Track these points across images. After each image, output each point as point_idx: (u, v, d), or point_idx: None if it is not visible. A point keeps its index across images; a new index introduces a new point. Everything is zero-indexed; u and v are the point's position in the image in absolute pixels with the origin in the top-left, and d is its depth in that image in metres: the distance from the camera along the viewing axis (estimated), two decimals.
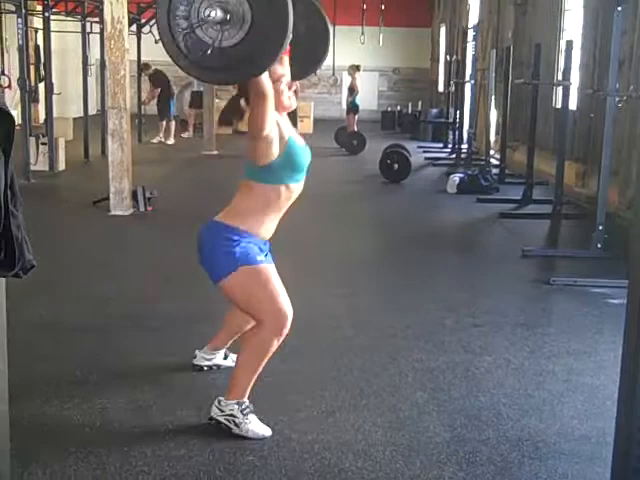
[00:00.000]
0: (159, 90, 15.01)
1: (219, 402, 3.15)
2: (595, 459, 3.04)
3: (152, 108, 15.38)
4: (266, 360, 3.13)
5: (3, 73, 12.52)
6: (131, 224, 7.56)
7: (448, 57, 17.02)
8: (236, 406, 3.12)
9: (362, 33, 17.47)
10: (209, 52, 2.56)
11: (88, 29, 12.74)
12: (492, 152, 12.33)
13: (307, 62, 3.39)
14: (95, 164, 11.56)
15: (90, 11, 12.84)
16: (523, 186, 9.19)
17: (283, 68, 3.02)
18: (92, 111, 13.87)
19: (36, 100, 12.71)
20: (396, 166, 10.71)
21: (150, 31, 14.89)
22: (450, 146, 14.75)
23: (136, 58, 14.40)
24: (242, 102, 3.04)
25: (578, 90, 9.52)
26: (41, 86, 11.95)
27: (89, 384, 3.65)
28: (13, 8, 10.29)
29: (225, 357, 3.79)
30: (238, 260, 3.01)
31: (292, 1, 2.56)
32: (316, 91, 20.63)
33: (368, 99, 20.24)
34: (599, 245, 6.28)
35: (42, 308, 4.74)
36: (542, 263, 6.35)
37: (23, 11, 9.92)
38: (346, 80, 16.02)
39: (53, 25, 11.57)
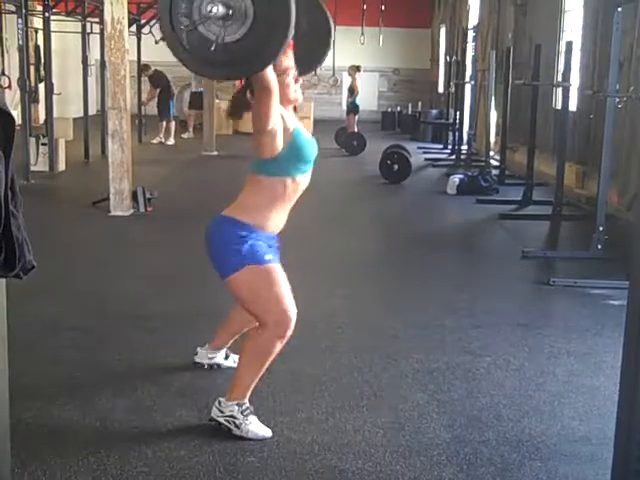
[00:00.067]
0: (159, 90, 15.02)
1: (219, 403, 3.15)
2: (595, 460, 3.04)
3: (152, 109, 15.38)
4: (268, 362, 3.12)
5: (3, 73, 12.50)
6: (131, 225, 7.56)
7: (448, 58, 17.03)
8: (236, 407, 3.12)
9: (362, 34, 17.48)
10: (212, 48, 2.56)
11: (88, 29, 12.74)
12: (492, 153, 12.34)
13: (310, 57, 3.39)
14: (95, 165, 11.56)
15: (90, 11, 12.85)
16: (523, 187, 9.20)
17: (289, 61, 3.02)
18: (92, 111, 13.87)
19: (36, 100, 12.71)
20: (396, 167, 10.71)
21: (150, 32, 14.92)
22: (450, 147, 14.75)
23: (136, 59, 14.41)
24: (248, 95, 3.02)
25: (578, 91, 9.53)
26: (41, 86, 11.95)
27: (89, 384, 3.65)
28: (13, 8, 10.28)
29: (226, 357, 3.79)
30: (245, 258, 3.00)
31: None
32: (316, 92, 20.63)
33: (368, 100, 20.24)
34: (599, 246, 6.28)
35: (42, 308, 4.74)
36: (542, 264, 6.35)
37: (23, 11, 9.92)
38: (346, 81, 16.02)
39: (53, 25, 11.56)
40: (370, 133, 15.56)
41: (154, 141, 14.81)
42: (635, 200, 7.50)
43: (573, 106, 9.31)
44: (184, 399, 3.48)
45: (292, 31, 2.58)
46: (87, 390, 3.58)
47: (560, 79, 8.77)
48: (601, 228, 6.27)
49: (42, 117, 13.11)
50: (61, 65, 15.46)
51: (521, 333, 4.57)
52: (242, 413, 3.11)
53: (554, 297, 5.45)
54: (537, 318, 4.96)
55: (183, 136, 15.77)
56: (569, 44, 7.96)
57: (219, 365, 3.78)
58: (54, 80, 11.16)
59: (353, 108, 14.43)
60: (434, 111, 18.15)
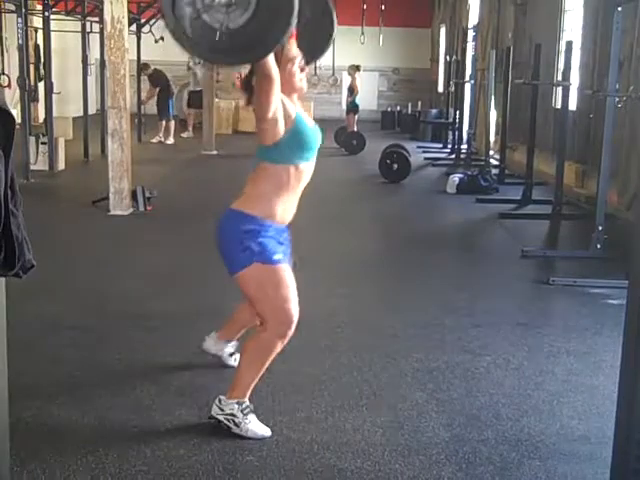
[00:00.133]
0: (158, 89, 15.02)
1: (220, 401, 3.16)
2: (594, 459, 3.04)
3: (152, 108, 15.38)
4: (269, 361, 3.13)
5: (3, 72, 12.51)
6: (130, 224, 7.56)
7: (448, 57, 17.02)
8: (236, 406, 3.12)
9: (362, 33, 17.47)
10: (217, 36, 2.57)
11: (88, 29, 12.73)
12: (492, 152, 12.34)
13: (313, 47, 3.37)
14: (95, 164, 11.56)
15: (90, 11, 12.84)
16: (523, 186, 9.20)
17: (295, 50, 3.03)
18: (92, 111, 13.86)
19: (36, 99, 12.68)
20: (396, 166, 10.71)
21: (150, 31, 14.92)
22: (450, 146, 14.75)
23: (136, 58, 14.40)
24: (253, 80, 3.01)
25: (578, 90, 9.52)
26: (41, 85, 11.93)
27: (88, 383, 3.65)
28: (13, 7, 10.28)
29: (231, 355, 3.80)
30: (254, 255, 3.00)
31: None
32: (316, 91, 20.61)
33: (368, 99, 20.24)
34: (598, 245, 6.28)
35: (42, 307, 4.74)
36: (541, 263, 6.35)
37: (23, 10, 9.93)
38: (346, 80, 16.02)
39: (53, 24, 11.56)
40: (370, 132, 15.56)
41: (154, 140, 14.80)
42: (635, 199, 7.50)
43: (573, 105, 9.31)
44: (183, 398, 3.48)
45: (295, 18, 2.58)
46: (86, 389, 3.58)
47: (560, 78, 8.77)
48: (600, 227, 6.28)
49: (42, 116, 13.10)
50: (61, 64, 15.44)
51: (520, 332, 4.57)
52: (242, 412, 3.12)
53: (553, 296, 5.45)
54: (536, 317, 4.96)
55: (183, 135, 15.76)
56: (569, 43, 7.96)
57: (222, 358, 3.79)
58: (54, 79, 11.15)
59: (353, 107, 14.43)
60: (434, 110, 18.14)
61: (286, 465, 2.93)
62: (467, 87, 14.63)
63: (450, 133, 15.07)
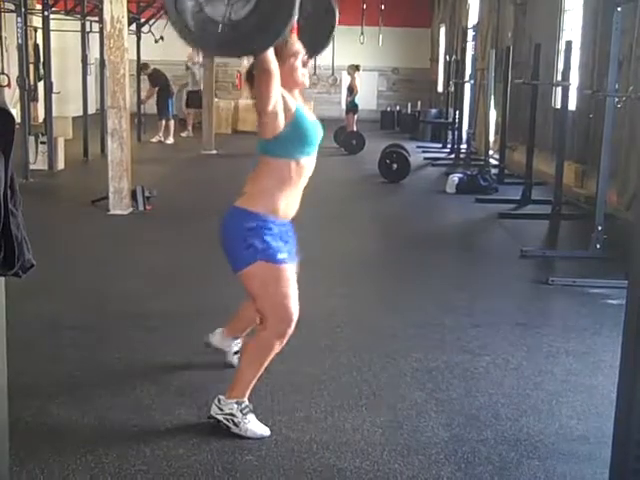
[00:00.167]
0: (157, 89, 15.03)
1: (219, 401, 3.16)
2: (593, 459, 3.04)
3: (151, 107, 15.38)
4: (268, 360, 3.13)
5: (2, 72, 12.50)
6: (130, 223, 7.56)
7: (447, 57, 17.03)
8: (235, 405, 3.12)
9: (362, 33, 17.49)
10: (220, 28, 2.58)
11: (88, 28, 12.73)
12: (491, 152, 12.33)
13: (314, 42, 3.37)
14: (94, 163, 11.56)
15: (90, 10, 12.84)
16: (522, 186, 9.20)
17: (298, 44, 3.03)
18: (91, 110, 13.86)
19: (35, 99, 12.69)
20: (395, 166, 10.71)
21: (150, 30, 14.93)
22: (449, 146, 14.75)
23: (135, 57, 14.40)
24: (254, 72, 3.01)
25: (577, 90, 9.53)
26: (40, 85, 11.93)
27: (88, 383, 3.66)
28: (13, 7, 10.28)
29: (235, 353, 3.78)
30: (258, 253, 3.00)
31: None
32: (315, 91, 20.61)
33: (367, 99, 20.24)
34: (598, 245, 6.28)
35: (41, 307, 4.74)
36: (541, 263, 6.35)
37: (22, 10, 9.93)
38: (345, 80, 16.03)
39: (52, 24, 11.56)
40: (369, 132, 15.57)
41: (153, 140, 14.80)
42: (634, 199, 7.50)
43: (572, 105, 9.31)
44: (183, 398, 3.48)
45: (297, 10, 2.59)
46: (86, 389, 3.59)
47: (559, 78, 8.77)
48: (600, 227, 6.28)
49: (41, 116, 13.10)
50: (60, 64, 15.44)
51: (520, 332, 4.57)
52: (241, 411, 3.12)
53: (553, 296, 5.45)
54: (536, 317, 4.96)
55: (182, 135, 15.77)
56: (569, 43, 7.96)
57: (225, 355, 3.78)
58: (53, 79, 11.15)
59: (352, 107, 14.43)
60: (433, 110, 18.15)
61: (285, 465, 2.93)
62: (467, 87, 14.63)
63: (450, 133, 15.07)
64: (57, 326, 4.43)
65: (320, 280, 5.55)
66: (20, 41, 9.89)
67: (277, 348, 3.12)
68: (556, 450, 3.12)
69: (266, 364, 3.15)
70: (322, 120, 3.40)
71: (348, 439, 3.15)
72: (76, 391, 3.56)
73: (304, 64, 3.08)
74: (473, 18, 16.44)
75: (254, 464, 2.93)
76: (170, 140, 14.93)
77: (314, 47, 3.36)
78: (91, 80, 13.94)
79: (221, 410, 3.14)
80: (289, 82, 3.00)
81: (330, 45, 3.55)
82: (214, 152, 13.49)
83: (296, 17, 2.62)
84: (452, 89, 15.09)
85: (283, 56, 2.94)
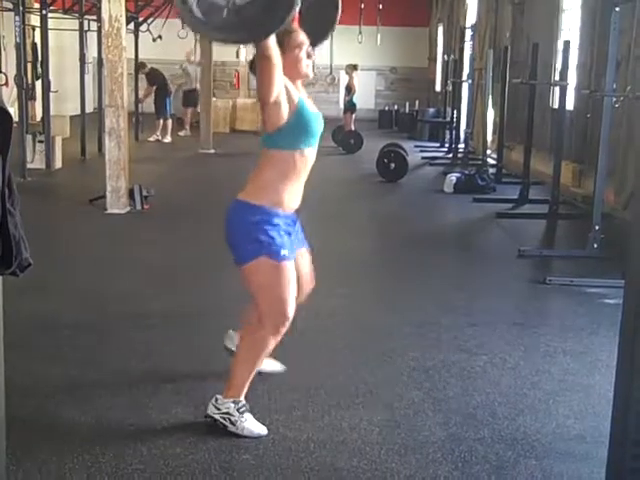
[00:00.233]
0: (155, 88, 15.02)
1: (216, 400, 3.16)
2: (590, 458, 3.04)
3: (149, 106, 15.38)
4: (262, 357, 3.14)
5: (0, 71, 12.49)
6: (128, 223, 7.56)
7: (445, 56, 17.03)
8: (232, 404, 3.12)
9: (360, 32, 17.48)
10: (224, 14, 2.60)
11: (86, 27, 12.72)
12: (489, 152, 12.34)
13: (314, 32, 3.37)
14: (92, 162, 11.55)
15: (88, 9, 12.82)
16: (520, 186, 9.21)
17: (303, 35, 3.04)
18: (89, 109, 13.83)
19: (33, 98, 12.69)
20: (393, 165, 10.72)
21: (148, 29, 14.91)
22: (447, 145, 14.76)
23: (133, 56, 14.39)
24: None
25: (575, 90, 9.53)
26: (38, 84, 11.92)
27: (86, 382, 3.66)
28: (11, 6, 10.27)
29: None
30: (263, 248, 3.00)
31: None
32: (314, 90, 20.58)
33: (365, 98, 20.20)
34: (595, 245, 6.28)
35: (39, 306, 4.74)
36: (538, 263, 6.36)
37: (21, 9, 9.91)
38: (343, 79, 16.01)
39: (50, 23, 11.54)
40: (367, 132, 15.56)
41: (151, 139, 14.80)
42: (631, 199, 7.51)
43: (570, 105, 9.31)
44: (180, 397, 3.48)
45: None
46: (84, 388, 3.58)
47: (557, 78, 8.78)
48: (597, 227, 6.28)
49: (39, 114, 13.08)
50: (58, 63, 15.41)
51: (517, 332, 4.58)
52: (238, 410, 3.12)
53: (550, 296, 5.46)
54: (533, 317, 4.97)
55: (180, 134, 15.76)
56: (567, 43, 7.96)
57: None
58: (51, 77, 11.14)
59: (350, 107, 14.42)
60: (431, 110, 18.14)
61: (282, 464, 2.94)
62: (465, 86, 14.63)
63: (447, 132, 15.07)
64: (54, 325, 4.43)
65: (318, 279, 5.53)
66: (18, 40, 9.87)
67: (272, 344, 3.12)
68: (553, 449, 3.12)
69: (261, 361, 3.15)
70: None
71: (345, 438, 3.15)
72: (73, 390, 3.56)
73: (309, 55, 3.09)
74: (471, 18, 16.44)
75: (251, 463, 2.93)
76: (168, 139, 14.92)
77: (314, 38, 3.36)
78: (89, 79, 13.94)
79: (218, 409, 3.14)
80: (293, 73, 3.01)
81: (328, 44, 3.56)
82: (212, 151, 13.48)
83: (299, 4, 2.64)
84: (450, 88, 15.09)
85: (288, 47, 2.95)
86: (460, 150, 13.61)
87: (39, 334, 4.29)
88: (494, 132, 12.72)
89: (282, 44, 2.85)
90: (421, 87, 21.53)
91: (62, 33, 14.25)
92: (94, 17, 12.90)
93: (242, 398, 3.15)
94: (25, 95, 10.41)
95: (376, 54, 21.03)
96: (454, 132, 14.12)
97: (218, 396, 3.17)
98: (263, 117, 3.02)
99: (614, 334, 2.86)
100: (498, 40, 13.67)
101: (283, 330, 3.10)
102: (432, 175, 11.67)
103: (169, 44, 15.66)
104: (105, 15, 7.66)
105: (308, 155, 3.10)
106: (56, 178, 10.38)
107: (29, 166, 9.92)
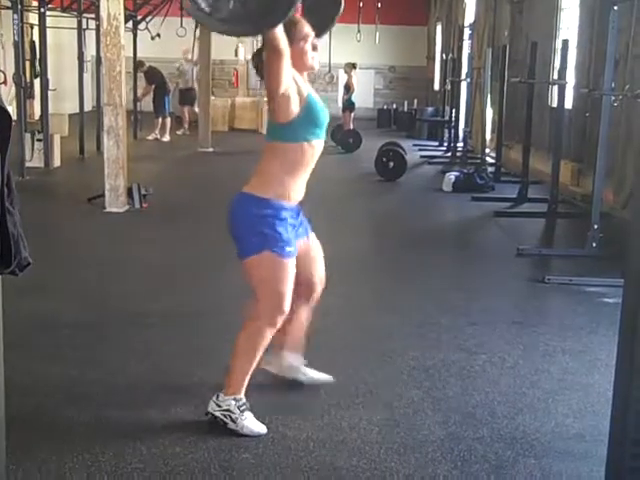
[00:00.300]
0: (154, 87, 15.01)
1: (217, 397, 3.16)
2: (589, 457, 3.04)
3: (148, 105, 15.37)
4: (260, 351, 3.14)
5: None
6: (126, 221, 7.55)
7: (444, 55, 17.01)
8: (233, 402, 3.12)
9: (358, 31, 17.46)
10: (231, 5, 2.61)
11: (84, 25, 12.69)
12: (488, 150, 12.34)
13: (319, 24, 3.36)
14: (90, 161, 11.54)
15: (86, 7, 12.81)
16: (518, 185, 9.21)
17: (309, 27, 3.04)
18: (88, 107, 13.82)
19: (31, 96, 12.66)
20: (392, 164, 10.72)
21: (146, 28, 14.90)
22: (446, 144, 14.75)
23: (132, 55, 14.38)
24: (263, 55, 3.00)
25: (574, 89, 9.53)
26: (36, 82, 11.90)
27: (85, 382, 3.65)
28: (9, 4, 10.24)
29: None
30: (268, 242, 3.01)
31: None
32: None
33: (364, 97, 20.18)
34: (594, 244, 6.29)
35: (38, 305, 4.73)
36: (537, 262, 6.36)
37: (19, 7, 9.90)
38: (342, 78, 16.00)
39: (49, 21, 11.53)
40: (366, 130, 15.55)
41: (149, 137, 14.79)
42: (630, 198, 7.51)
43: (569, 104, 9.30)
44: (179, 396, 3.48)
45: None
46: (83, 387, 3.58)
47: (556, 77, 8.78)
48: (596, 226, 6.28)
49: (37, 113, 13.06)
50: (57, 61, 15.41)
51: (516, 331, 4.58)
52: (238, 408, 3.12)
53: (549, 295, 5.46)
54: (532, 316, 4.97)
55: (178, 132, 15.75)
56: (565, 42, 7.96)
57: (297, 375, 3.58)
58: (49, 76, 11.13)
59: (349, 105, 14.42)
60: (430, 108, 18.14)
61: (282, 463, 2.94)
62: (463, 85, 14.63)
63: (446, 131, 15.07)
64: (54, 324, 4.43)
65: None
66: (16, 38, 9.86)
67: (268, 337, 3.13)
68: (552, 448, 3.13)
69: (258, 355, 3.15)
70: None
71: (345, 437, 3.15)
72: (73, 389, 3.56)
73: (314, 47, 3.09)
74: (470, 16, 16.44)
75: (251, 462, 2.93)
76: (166, 138, 14.91)
77: (317, 28, 3.35)
78: (87, 77, 13.91)
79: (219, 406, 3.14)
80: (298, 65, 3.01)
81: (327, 43, 3.56)
82: (210, 150, 13.48)
83: None
84: (449, 87, 15.08)
85: (293, 39, 2.95)
86: (459, 149, 13.62)
87: (38, 333, 4.29)
88: (493, 131, 12.72)
89: (288, 36, 2.85)
90: (420, 86, 21.53)
91: (60, 31, 14.23)
92: (92, 15, 12.88)
93: (243, 395, 3.15)
94: (23, 93, 10.38)
95: (375, 53, 21.03)
96: (453, 131, 14.12)
97: (219, 393, 3.17)
98: (272, 107, 3.01)
99: (613, 333, 2.86)
100: (497, 39, 13.67)
101: (279, 323, 3.13)
102: (431, 174, 11.67)
103: (167, 42, 15.65)
104: (103, 13, 7.65)
105: (316, 146, 3.11)
106: (55, 177, 10.38)
107: (28, 164, 9.91)
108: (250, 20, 2.68)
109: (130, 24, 14.21)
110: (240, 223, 3.08)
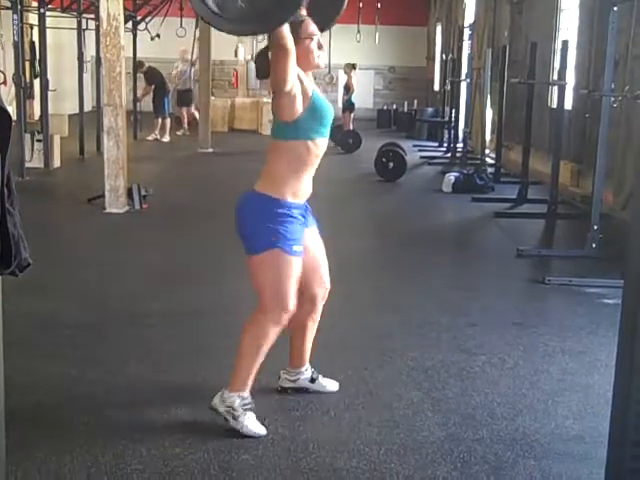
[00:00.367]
0: (154, 87, 15.01)
1: (222, 393, 3.16)
2: (589, 459, 3.04)
3: (148, 105, 15.37)
4: (265, 350, 3.13)
5: None
6: (126, 222, 7.55)
7: (444, 56, 17.01)
8: (237, 399, 3.12)
9: (358, 31, 17.46)
10: (239, 5, 2.64)
11: (84, 26, 12.69)
12: (487, 151, 12.34)
13: (323, 19, 3.35)
14: (90, 161, 11.54)
15: (86, 8, 12.81)
16: (518, 185, 9.21)
17: (314, 26, 3.05)
18: (87, 108, 13.81)
19: (31, 96, 12.67)
20: (391, 165, 10.72)
21: (146, 28, 14.90)
22: (445, 145, 14.76)
23: (132, 55, 14.38)
24: (269, 54, 3.00)
25: (573, 90, 9.53)
26: (36, 82, 11.91)
27: (85, 381, 3.65)
28: (9, 4, 10.24)
29: (312, 380, 3.56)
30: (279, 240, 3.03)
31: None
32: None
33: (364, 97, 20.20)
34: (594, 245, 6.29)
35: (38, 305, 4.73)
36: (537, 263, 6.36)
37: (19, 7, 9.90)
38: (342, 78, 16.01)
39: (49, 21, 11.53)
40: (366, 131, 15.56)
41: (149, 138, 14.79)
42: (630, 199, 7.51)
43: (568, 105, 9.30)
44: (179, 396, 3.48)
45: None
46: (83, 387, 3.58)
47: (556, 78, 8.78)
48: (596, 227, 6.28)
49: (37, 113, 13.07)
50: (56, 61, 15.41)
51: (516, 332, 4.58)
52: (242, 406, 3.12)
53: (549, 296, 5.46)
54: (532, 317, 4.97)
55: (178, 133, 15.75)
56: (565, 43, 7.96)
57: (306, 388, 3.55)
58: (49, 76, 11.13)
59: (349, 106, 14.43)
60: (430, 109, 18.14)
61: (281, 464, 2.93)
62: (463, 86, 14.63)
63: (446, 132, 15.07)
64: (54, 324, 4.43)
65: None
66: (16, 38, 9.86)
67: (273, 336, 3.13)
68: (552, 449, 3.12)
69: (263, 353, 3.14)
70: None
71: (344, 438, 3.15)
72: (72, 389, 3.56)
73: (319, 46, 3.09)
74: (469, 17, 16.45)
75: (250, 463, 2.93)
76: (166, 138, 14.91)
77: (321, 25, 3.35)
78: (87, 78, 13.92)
79: (223, 402, 3.15)
80: (303, 63, 3.02)
81: (327, 43, 3.56)
82: (210, 150, 13.48)
83: None
84: (448, 88, 15.08)
85: (299, 37, 2.96)
86: (459, 149, 13.62)
87: (39, 333, 4.29)
88: (492, 131, 12.72)
89: (294, 34, 2.86)
90: (419, 86, 21.54)
91: (60, 32, 14.22)
92: (92, 16, 12.88)
93: (247, 394, 3.15)
94: (23, 94, 10.39)
95: (374, 53, 21.03)
96: (452, 131, 14.12)
97: (225, 390, 3.17)
98: (278, 105, 3.02)
99: (613, 334, 2.86)
100: (496, 39, 13.67)
101: (284, 321, 3.13)
102: (431, 174, 11.67)
103: (167, 43, 15.65)
104: (103, 14, 7.65)
105: (320, 144, 3.13)
106: (55, 177, 10.37)
107: (27, 165, 9.91)
108: (257, 19, 2.70)
109: (130, 24, 14.21)
110: (249, 221, 3.10)
